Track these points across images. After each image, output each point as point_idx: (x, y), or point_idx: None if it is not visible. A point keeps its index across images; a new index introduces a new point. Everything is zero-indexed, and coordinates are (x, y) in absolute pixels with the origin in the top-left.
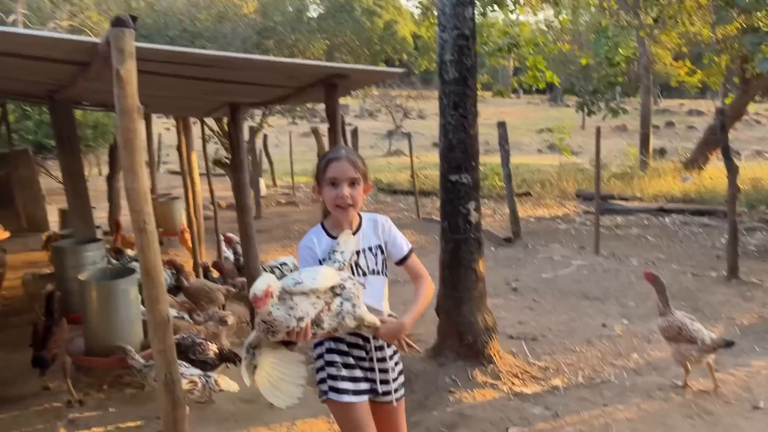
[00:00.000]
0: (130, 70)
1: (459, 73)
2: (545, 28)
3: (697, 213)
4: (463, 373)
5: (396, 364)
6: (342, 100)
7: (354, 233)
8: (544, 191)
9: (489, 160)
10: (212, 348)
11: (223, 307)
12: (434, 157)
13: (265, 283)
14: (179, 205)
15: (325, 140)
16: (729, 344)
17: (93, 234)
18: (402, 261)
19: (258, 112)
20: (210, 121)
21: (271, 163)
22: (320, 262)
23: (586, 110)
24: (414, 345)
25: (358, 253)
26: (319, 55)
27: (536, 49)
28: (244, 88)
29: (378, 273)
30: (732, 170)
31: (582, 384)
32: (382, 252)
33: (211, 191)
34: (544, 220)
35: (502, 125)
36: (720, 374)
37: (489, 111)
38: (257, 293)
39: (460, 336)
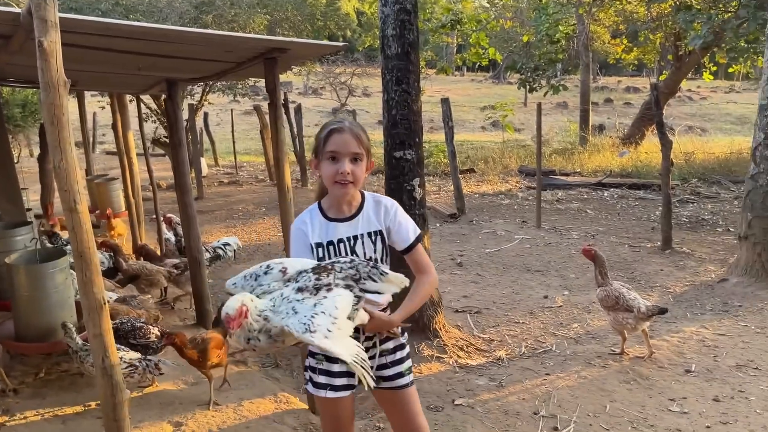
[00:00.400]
0: (53, 42)
1: (401, 48)
2: (487, 5)
3: (634, 187)
4: (410, 348)
5: (393, 350)
6: (285, 77)
7: (354, 215)
8: (488, 168)
9: (433, 137)
10: (154, 331)
11: (165, 290)
12: (379, 134)
13: (238, 301)
14: (117, 186)
15: (268, 118)
16: (663, 311)
17: (23, 217)
18: (406, 251)
19: (198, 90)
20: (147, 99)
21: (212, 141)
22: (312, 248)
23: (527, 87)
24: (394, 332)
25: (356, 238)
26: (260, 31)
27: (479, 26)
28: (180, 63)
29: (376, 262)
30: (666, 145)
31: (525, 354)
32: (383, 239)
33: (150, 171)
34: (488, 195)
35: (445, 102)
36: (654, 340)
37: (433, 88)
38: (230, 312)
39: None
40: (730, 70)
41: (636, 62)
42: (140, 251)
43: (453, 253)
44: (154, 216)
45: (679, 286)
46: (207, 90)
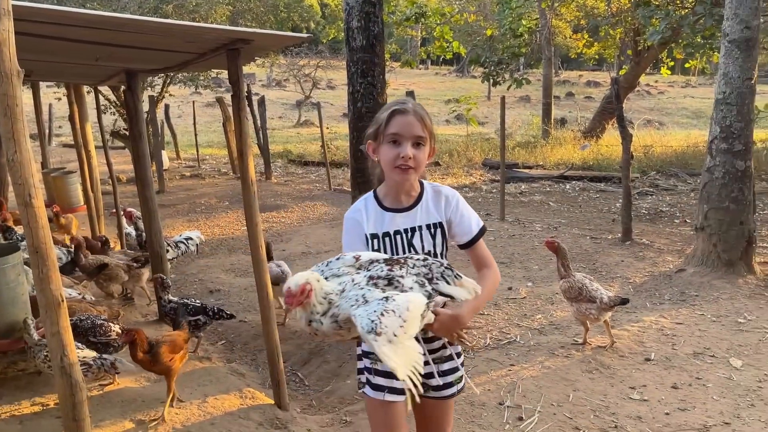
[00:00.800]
0: (6, 30)
1: (366, 41)
2: None
3: (595, 179)
4: None
5: (449, 357)
6: (248, 69)
7: (412, 206)
8: (452, 161)
9: None
10: (115, 328)
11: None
12: (345, 127)
13: (303, 278)
14: (74, 179)
15: (231, 110)
16: (624, 302)
17: None
18: (468, 245)
19: (159, 81)
20: (106, 90)
21: (173, 134)
22: (367, 239)
23: (491, 81)
24: (466, 338)
25: (413, 230)
26: (222, 21)
27: (443, 20)
28: (140, 53)
29: (435, 257)
30: (626, 138)
31: (490, 345)
32: (443, 232)
33: (109, 165)
34: (453, 188)
35: (410, 95)
36: (616, 330)
37: (398, 81)
38: (291, 288)
39: None
40: (687, 65)
41: (597, 57)
42: (78, 243)
43: None
44: (114, 210)
45: (638, 277)
46: (168, 81)
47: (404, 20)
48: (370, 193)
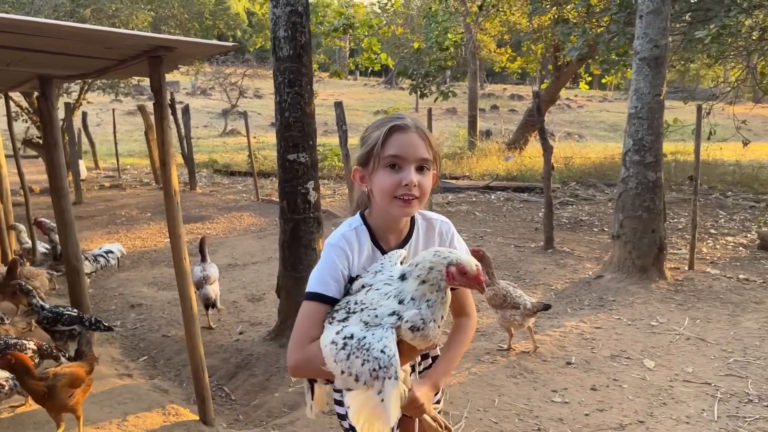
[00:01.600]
0: None
1: (293, 50)
2: (379, 11)
3: (519, 189)
4: None
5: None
6: (172, 77)
7: (401, 245)
8: None
9: (328, 141)
10: (30, 346)
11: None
12: (273, 137)
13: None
14: None
15: (153, 119)
16: (547, 307)
17: None
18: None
19: (76, 88)
20: (17, 96)
21: (92, 143)
22: (344, 281)
23: (419, 93)
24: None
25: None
26: (144, 28)
27: (371, 31)
28: (55, 59)
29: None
30: (547, 150)
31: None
32: None
33: (21, 174)
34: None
35: (339, 105)
36: (539, 336)
37: (326, 92)
38: (473, 265)
39: None
40: (604, 80)
41: (520, 71)
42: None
43: None
44: (31, 222)
45: (560, 283)
46: (86, 88)
47: (332, 31)
48: (360, 222)
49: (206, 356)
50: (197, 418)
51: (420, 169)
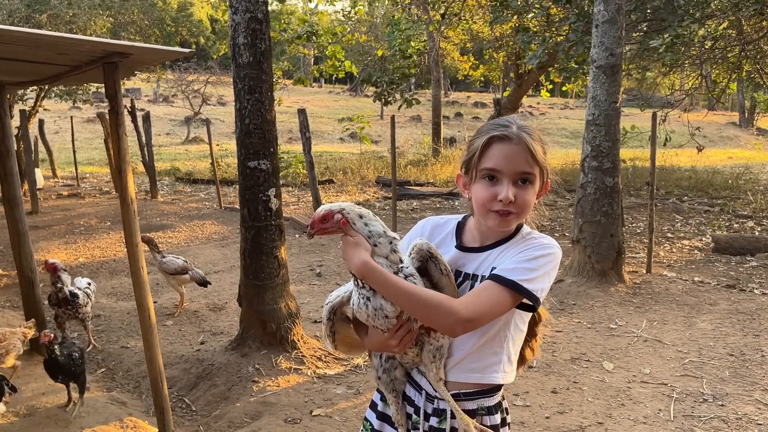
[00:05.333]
0: None
1: (253, 57)
2: (343, 19)
3: None
4: (267, 362)
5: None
6: (133, 84)
7: (487, 246)
8: (346, 178)
9: (292, 148)
10: None
11: None
12: (235, 144)
13: (336, 206)
14: None
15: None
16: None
17: None
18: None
19: (32, 94)
20: None
21: (49, 151)
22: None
23: (383, 100)
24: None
25: (466, 277)
26: (102, 34)
27: (334, 39)
28: (6, 65)
29: None
30: None
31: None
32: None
33: None
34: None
35: (302, 113)
36: None
37: (291, 99)
38: (318, 211)
39: (263, 324)
40: (564, 88)
41: (483, 79)
42: None
43: (312, 263)
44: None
45: None
46: (42, 95)
47: (296, 38)
48: (456, 223)
49: (166, 367)
50: (156, 430)
51: (521, 181)
